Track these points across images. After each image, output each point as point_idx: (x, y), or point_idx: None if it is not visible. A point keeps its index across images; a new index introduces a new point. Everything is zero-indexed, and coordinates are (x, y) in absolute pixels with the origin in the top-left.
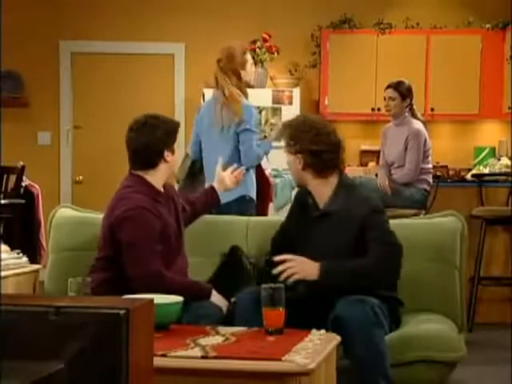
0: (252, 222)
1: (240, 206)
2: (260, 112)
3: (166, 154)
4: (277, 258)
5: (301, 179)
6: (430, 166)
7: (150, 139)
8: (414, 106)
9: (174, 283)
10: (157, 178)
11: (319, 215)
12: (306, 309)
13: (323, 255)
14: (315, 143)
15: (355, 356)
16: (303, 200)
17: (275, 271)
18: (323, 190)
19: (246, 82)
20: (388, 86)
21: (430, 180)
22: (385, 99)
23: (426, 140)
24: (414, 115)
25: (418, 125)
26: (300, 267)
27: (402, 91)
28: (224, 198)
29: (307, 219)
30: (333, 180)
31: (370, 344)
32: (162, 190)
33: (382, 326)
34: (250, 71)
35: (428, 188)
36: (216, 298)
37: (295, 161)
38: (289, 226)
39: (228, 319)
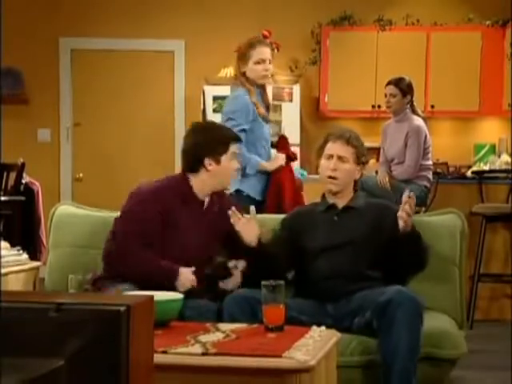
0: None
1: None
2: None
3: (208, 162)
4: None
5: (346, 188)
6: (430, 162)
7: (192, 144)
8: (415, 103)
9: (141, 261)
10: (197, 183)
11: (341, 210)
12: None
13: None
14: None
15: (397, 342)
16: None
17: None
18: (347, 198)
19: (251, 78)
20: (389, 83)
21: (430, 177)
22: (386, 96)
23: (426, 136)
24: (414, 112)
25: (418, 121)
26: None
27: (403, 88)
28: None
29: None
30: None
31: (416, 332)
32: (204, 197)
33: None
34: (251, 68)
35: (428, 185)
36: (183, 276)
37: (355, 170)
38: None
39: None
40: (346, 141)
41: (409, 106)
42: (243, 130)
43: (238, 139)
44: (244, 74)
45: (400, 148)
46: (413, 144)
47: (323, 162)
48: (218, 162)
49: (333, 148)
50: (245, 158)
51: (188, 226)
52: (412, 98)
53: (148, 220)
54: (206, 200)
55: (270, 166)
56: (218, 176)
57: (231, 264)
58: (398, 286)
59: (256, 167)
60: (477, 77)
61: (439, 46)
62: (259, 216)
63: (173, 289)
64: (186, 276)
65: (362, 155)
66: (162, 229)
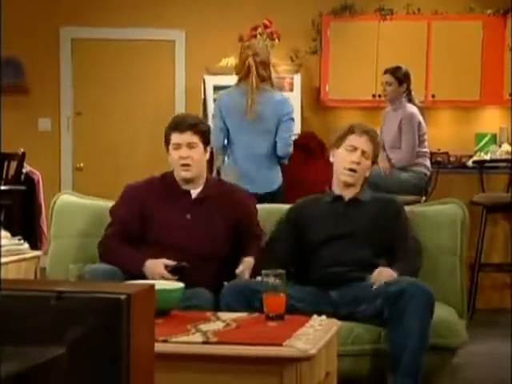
0: None
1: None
2: None
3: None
4: None
5: (358, 183)
6: (427, 150)
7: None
8: (412, 92)
9: (113, 250)
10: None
11: (347, 202)
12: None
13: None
14: None
15: (408, 333)
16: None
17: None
18: (354, 191)
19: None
20: (385, 72)
21: (428, 164)
22: (382, 84)
23: (420, 124)
24: (411, 100)
25: (411, 109)
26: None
27: (399, 76)
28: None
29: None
30: None
31: (427, 324)
32: (189, 188)
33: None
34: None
35: (427, 172)
36: (149, 267)
37: (370, 168)
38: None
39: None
40: (372, 137)
41: (405, 94)
42: None
43: (179, 129)
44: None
45: (394, 134)
46: (407, 131)
47: (344, 152)
48: (168, 151)
49: (358, 141)
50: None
51: (172, 219)
52: (409, 86)
53: (126, 219)
54: (196, 191)
55: None
56: (173, 165)
57: (238, 270)
58: (411, 278)
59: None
60: (478, 66)
61: (440, 35)
62: (266, 206)
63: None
64: (153, 267)
65: (377, 155)
66: (142, 225)
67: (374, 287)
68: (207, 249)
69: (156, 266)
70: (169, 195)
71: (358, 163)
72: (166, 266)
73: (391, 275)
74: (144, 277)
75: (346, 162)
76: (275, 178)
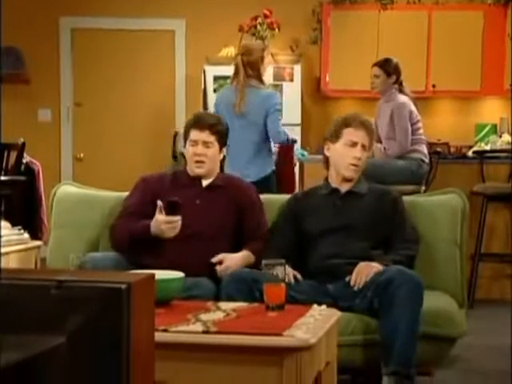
0: None
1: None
2: None
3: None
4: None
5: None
6: (422, 137)
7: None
8: (404, 83)
9: (123, 228)
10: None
11: (344, 195)
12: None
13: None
14: None
15: (397, 320)
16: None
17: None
18: (350, 182)
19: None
20: (373, 65)
21: (425, 150)
22: (371, 77)
23: (412, 112)
24: (402, 91)
25: (401, 98)
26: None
27: (387, 69)
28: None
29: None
30: None
31: (416, 312)
32: (201, 180)
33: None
34: (266, 68)
35: (423, 158)
36: (153, 228)
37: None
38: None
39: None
40: (368, 129)
41: (396, 86)
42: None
43: (198, 127)
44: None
45: (388, 126)
46: (398, 120)
47: (344, 148)
48: (185, 146)
49: (357, 136)
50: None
51: (182, 204)
52: (399, 78)
53: (138, 206)
54: (206, 181)
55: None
56: (187, 160)
57: (220, 268)
58: (399, 266)
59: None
60: (478, 56)
61: (441, 25)
62: (266, 197)
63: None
64: (154, 225)
65: (373, 143)
66: (154, 212)
67: (355, 288)
68: (214, 232)
69: (156, 221)
70: (180, 184)
71: (360, 158)
72: (161, 211)
73: (371, 271)
74: (148, 265)
75: (350, 158)
76: (265, 165)
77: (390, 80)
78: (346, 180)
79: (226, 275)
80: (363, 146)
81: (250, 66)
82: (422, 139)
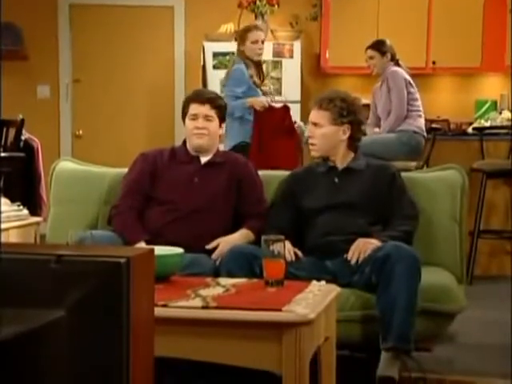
0: None
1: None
2: (260, 66)
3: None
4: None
5: (332, 150)
6: (420, 109)
7: None
8: (400, 62)
9: (118, 219)
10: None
11: (341, 172)
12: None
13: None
14: (362, 116)
15: (395, 296)
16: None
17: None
18: (346, 159)
19: (248, 56)
20: (366, 48)
21: (419, 124)
22: (366, 61)
23: (408, 83)
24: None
25: (394, 68)
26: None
27: (380, 48)
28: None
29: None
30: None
31: (414, 287)
32: (199, 155)
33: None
34: (249, 47)
35: (417, 130)
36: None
37: (338, 131)
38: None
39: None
40: (319, 106)
41: (392, 63)
42: (237, 97)
43: (198, 100)
44: (243, 51)
45: (384, 99)
46: (394, 84)
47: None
48: (184, 122)
49: (310, 116)
50: (230, 105)
51: (180, 181)
52: (394, 57)
53: (136, 179)
54: (205, 158)
55: (255, 101)
56: (186, 135)
57: (214, 256)
58: (396, 242)
59: (243, 106)
60: (479, 32)
61: (441, 1)
62: (262, 173)
63: None
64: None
65: (339, 116)
66: (152, 185)
67: (353, 263)
68: (213, 209)
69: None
70: (179, 161)
71: (312, 136)
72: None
73: (368, 247)
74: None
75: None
76: (236, 132)
77: (385, 58)
78: (318, 158)
79: (226, 252)
80: (314, 124)
81: None
82: (419, 113)
